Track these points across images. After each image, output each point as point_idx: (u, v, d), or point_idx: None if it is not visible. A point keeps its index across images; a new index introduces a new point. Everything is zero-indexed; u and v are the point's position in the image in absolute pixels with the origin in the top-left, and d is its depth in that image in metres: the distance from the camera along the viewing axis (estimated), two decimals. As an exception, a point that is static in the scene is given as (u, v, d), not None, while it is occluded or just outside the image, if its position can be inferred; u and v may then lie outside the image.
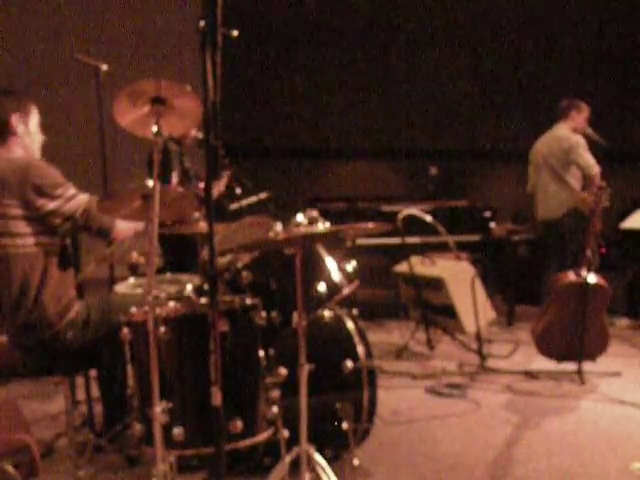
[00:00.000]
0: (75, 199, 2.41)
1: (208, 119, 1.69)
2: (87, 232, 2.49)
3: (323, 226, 2.33)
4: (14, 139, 2.48)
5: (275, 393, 2.04)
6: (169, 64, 6.38)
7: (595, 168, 4.85)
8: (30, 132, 2.53)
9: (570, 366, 3.87)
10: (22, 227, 2.37)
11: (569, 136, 4.98)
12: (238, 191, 4.28)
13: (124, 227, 2.51)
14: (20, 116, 2.49)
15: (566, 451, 2.86)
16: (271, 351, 2.10)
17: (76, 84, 5.00)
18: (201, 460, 2.44)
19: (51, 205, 2.37)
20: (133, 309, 2.03)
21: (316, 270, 2.31)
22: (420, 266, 4.58)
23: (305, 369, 2.09)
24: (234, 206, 4.40)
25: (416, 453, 2.87)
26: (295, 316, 2.11)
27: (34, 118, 2.55)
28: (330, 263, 2.38)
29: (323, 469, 2.14)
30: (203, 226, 2.76)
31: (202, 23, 1.66)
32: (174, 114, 1.97)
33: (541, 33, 8.03)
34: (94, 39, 6.18)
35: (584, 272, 3.79)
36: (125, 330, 1.99)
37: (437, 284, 4.38)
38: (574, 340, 3.79)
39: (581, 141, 4.94)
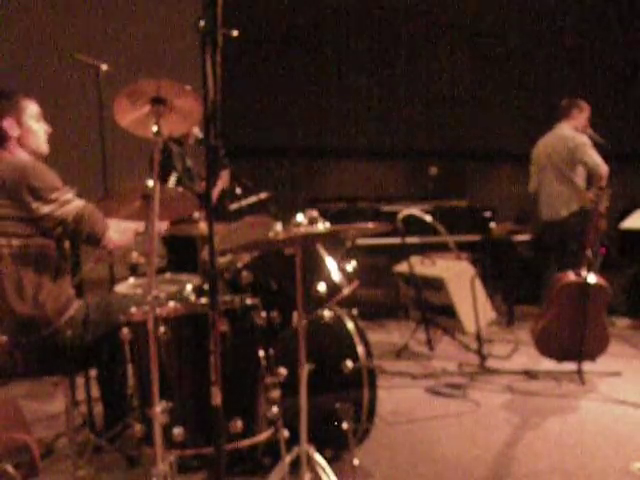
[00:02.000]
0: (70, 204, 2.40)
1: (208, 119, 1.68)
2: (77, 237, 2.47)
3: (323, 226, 2.33)
4: (12, 141, 2.47)
5: (275, 393, 2.04)
6: (169, 64, 6.38)
7: (604, 167, 4.83)
8: (28, 129, 2.49)
9: (570, 366, 3.87)
10: (16, 228, 2.37)
11: (574, 135, 4.97)
12: (238, 191, 4.28)
13: (116, 236, 2.48)
14: (12, 118, 2.45)
15: (566, 451, 2.86)
16: (271, 351, 2.10)
17: (76, 84, 5.00)
18: (201, 460, 2.45)
19: (45, 209, 2.36)
20: (133, 309, 2.03)
21: (316, 270, 2.31)
22: (420, 266, 4.58)
23: (305, 369, 2.09)
24: (234, 206, 4.40)
25: (416, 453, 2.87)
26: (295, 316, 2.11)
27: (30, 114, 2.50)
28: (330, 263, 2.38)
29: (323, 469, 2.14)
30: (203, 226, 2.77)
31: (202, 23, 1.66)
32: (174, 114, 1.97)
33: (541, 33, 8.03)
34: (94, 39, 6.18)
35: (584, 272, 3.79)
36: (125, 330, 1.99)
37: (437, 284, 4.38)
38: (574, 340, 3.79)
39: (587, 140, 4.93)
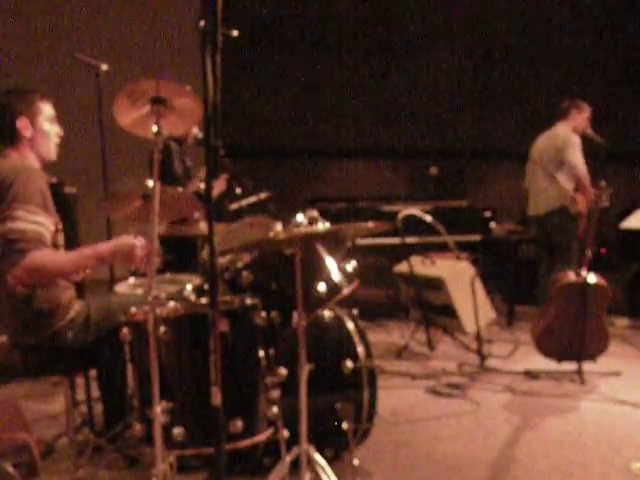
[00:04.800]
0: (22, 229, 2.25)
1: (208, 119, 1.68)
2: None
3: (323, 226, 2.32)
4: (24, 142, 2.44)
5: (275, 393, 2.04)
6: (169, 64, 6.38)
7: (582, 169, 4.87)
8: (41, 132, 2.46)
9: (570, 366, 3.87)
10: None
11: (566, 135, 4.98)
12: (238, 191, 4.27)
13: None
14: (27, 118, 2.43)
15: (566, 451, 2.86)
16: (271, 351, 2.10)
17: (76, 84, 5.00)
18: (201, 460, 2.45)
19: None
20: (133, 309, 2.03)
21: (316, 270, 2.31)
22: (420, 266, 4.57)
23: (305, 369, 2.09)
24: (234, 206, 4.39)
25: (416, 453, 2.87)
26: (295, 316, 2.11)
27: (44, 115, 2.47)
28: (330, 263, 2.38)
29: (323, 469, 2.14)
30: (203, 226, 2.76)
31: (202, 23, 1.66)
32: (174, 114, 1.98)
33: (541, 33, 8.03)
34: (94, 39, 6.18)
35: (584, 272, 3.80)
36: (125, 330, 1.98)
37: (437, 284, 4.37)
38: (574, 340, 3.79)
39: (577, 142, 4.95)
